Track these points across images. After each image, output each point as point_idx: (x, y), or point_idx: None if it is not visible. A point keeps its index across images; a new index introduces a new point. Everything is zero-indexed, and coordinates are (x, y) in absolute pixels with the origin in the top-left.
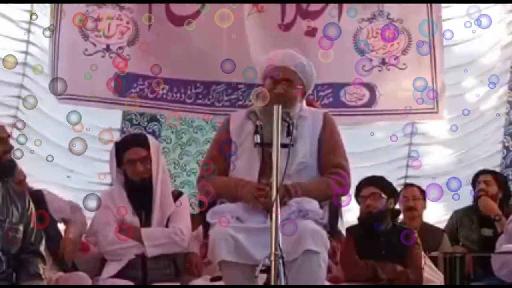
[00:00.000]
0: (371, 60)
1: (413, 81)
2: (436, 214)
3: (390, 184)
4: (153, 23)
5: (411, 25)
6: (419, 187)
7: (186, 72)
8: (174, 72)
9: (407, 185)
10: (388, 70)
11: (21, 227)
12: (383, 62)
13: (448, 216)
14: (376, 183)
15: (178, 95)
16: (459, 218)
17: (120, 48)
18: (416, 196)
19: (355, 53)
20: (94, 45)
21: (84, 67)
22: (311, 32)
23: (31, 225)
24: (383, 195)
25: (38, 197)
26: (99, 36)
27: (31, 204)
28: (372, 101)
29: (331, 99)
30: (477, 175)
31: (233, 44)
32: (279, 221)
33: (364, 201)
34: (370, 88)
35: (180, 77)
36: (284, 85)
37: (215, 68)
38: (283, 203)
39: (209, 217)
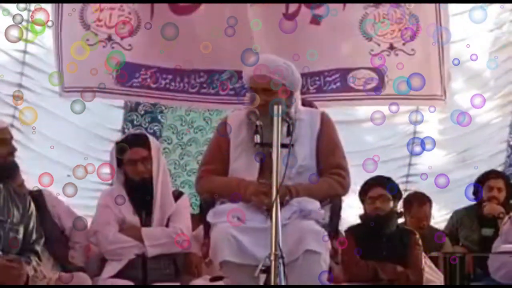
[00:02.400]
0: (378, 44)
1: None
2: (436, 214)
3: (397, 186)
4: (155, 13)
5: (419, 10)
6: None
7: (189, 62)
8: (176, 61)
9: (420, 199)
10: (397, 55)
11: (21, 228)
12: (391, 47)
13: (448, 216)
14: (384, 184)
15: (182, 84)
16: (459, 218)
17: (122, 38)
18: (428, 213)
19: (362, 38)
20: (96, 35)
21: (87, 58)
22: (316, 21)
23: (31, 226)
24: (390, 197)
25: (38, 197)
26: (101, 26)
27: (32, 205)
28: (380, 85)
29: (338, 84)
30: (487, 178)
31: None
32: (279, 221)
33: (371, 202)
34: (379, 72)
35: (183, 66)
36: (263, 95)
37: (218, 57)
38: (284, 203)
39: (210, 217)
